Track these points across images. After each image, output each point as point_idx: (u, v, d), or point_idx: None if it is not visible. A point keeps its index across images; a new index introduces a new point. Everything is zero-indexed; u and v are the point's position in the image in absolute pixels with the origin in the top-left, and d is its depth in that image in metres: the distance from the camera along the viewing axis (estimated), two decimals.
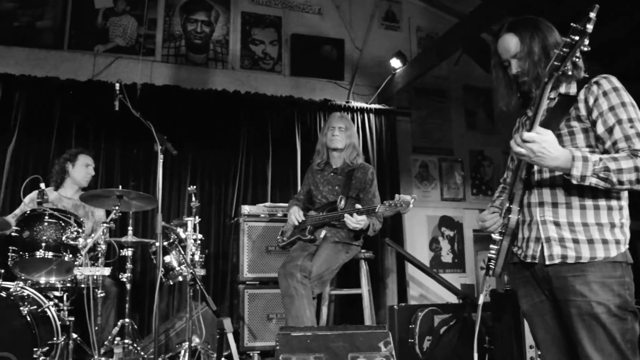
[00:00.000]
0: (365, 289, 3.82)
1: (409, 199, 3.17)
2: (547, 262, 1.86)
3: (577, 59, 1.85)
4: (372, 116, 6.23)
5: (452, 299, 5.53)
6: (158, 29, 5.77)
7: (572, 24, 1.55)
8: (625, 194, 1.88)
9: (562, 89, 1.93)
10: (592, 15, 1.53)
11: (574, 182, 1.74)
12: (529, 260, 1.94)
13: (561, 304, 1.86)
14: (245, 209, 4.72)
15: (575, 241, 1.83)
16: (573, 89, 1.89)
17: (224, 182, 5.56)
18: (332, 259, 3.56)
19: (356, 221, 3.47)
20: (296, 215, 3.83)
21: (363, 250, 3.85)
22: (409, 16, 6.81)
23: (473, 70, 6.00)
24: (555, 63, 1.63)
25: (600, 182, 1.72)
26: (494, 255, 2.01)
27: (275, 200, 5.43)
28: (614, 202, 1.85)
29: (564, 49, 1.60)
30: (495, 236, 2.01)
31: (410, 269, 6.06)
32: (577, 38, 1.56)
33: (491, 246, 2.04)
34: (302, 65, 6.21)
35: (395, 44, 6.51)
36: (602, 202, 1.84)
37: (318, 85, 6.24)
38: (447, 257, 6.56)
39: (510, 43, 1.98)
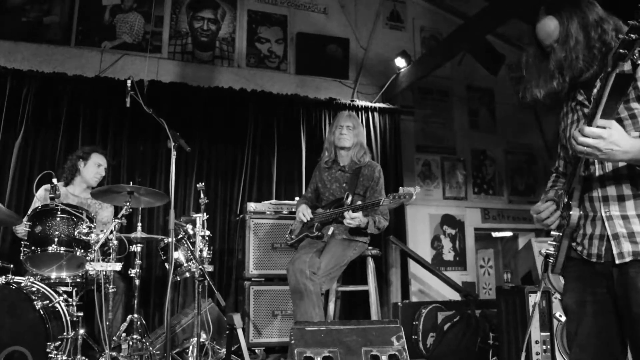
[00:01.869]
0: (372, 286, 3.86)
1: (412, 191, 3.25)
2: (618, 261, 1.71)
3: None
4: (376, 115, 6.27)
5: (453, 296, 5.58)
6: (165, 26, 5.80)
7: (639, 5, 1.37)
8: None
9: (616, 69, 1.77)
10: None
11: None
12: (594, 259, 1.80)
13: (621, 301, 1.74)
14: (251, 206, 4.76)
15: None
16: (627, 66, 1.64)
17: (229, 179, 5.60)
18: (340, 256, 3.59)
19: (350, 217, 3.52)
20: (304, 212, 3.87)
21: (370, 247, 3.89)
22: (413, 16, 6.86)
23: (476, 70, 6.06)
24: (621, 51, 1.46)
25: None
26: (552, 252, 1.93)
27: (280, 198, 5.47)
28: None
29: (631, 35, 1.42)
30: (554, 233, 1.92)
31: (412, 267, 6.11)
32: None
33: (549, 242, 1.95)
34: (308, 64, 6.24)
35: (399, 43, 6.57)
36: None
37: (323, 83, 6.28)
38: (448, 255, 6.62)
39: (551, 27, 1.86)
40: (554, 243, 1.90)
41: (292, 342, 2.35)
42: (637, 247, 1.68)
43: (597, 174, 1.78)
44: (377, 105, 6.30)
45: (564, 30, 1.81)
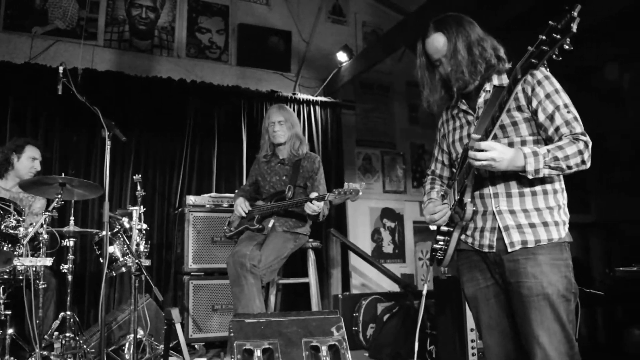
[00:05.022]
0: (312, 278, 3.86)
1: (357, 187, 3.26)
2: (509, 250, 1.91)
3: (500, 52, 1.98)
4: (318, 108, 6.29)
5: (392, 288, 5.69)
6: (100, 12, 5.57)
7: (550, 22, 1.52)
8: (562, 177, 1.98)
9: (495, 81, 2.00)
10: (575, 14, 1.47)
11: (530, 177, 1.82)
12: (485, 250, 1.99)
13: (512, 286, 1.92)
14: (191, 199, 4.68)
15: (532, 225, 1.91)
16: (505, 80, 1.93)
17: (168, 171, 5.48)
18: (280, 248, 3.58)
19: (318, 207, 3.49)
20: (242, 206, 3.83)
21: (310, 240, 3.89)
22: (355, 11, 6.91)
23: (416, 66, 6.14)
24: (533, 60, 1.61)
25: (552, 171, 1.82)
26: (440, 246, 2.08)
27: (221, 191, 5.40)
28: (557, 186, 1.95)
29: (543, 47, 1.56)
30: (444, 228, 2.07)
31: (353, 259, 6.17)
32: (558, 36, 1.51)
33: (438, 237, 2.10)
34: (249, 56, 6.17)
35: (341, 37, 6.59)
36: (549, 187, 1.93)
37: (265, 76, 6.23)
38: (388, 247, 6.73)
39: (440, 43, 2.02)
40: (442, 238, 2.08)
41: (232, 334, 2.32)
42: (524, 237, 1.91)
43: (488, 174, 1.97)
44: (319, 98, 6.32)
45: (452, 47, 1.99)
